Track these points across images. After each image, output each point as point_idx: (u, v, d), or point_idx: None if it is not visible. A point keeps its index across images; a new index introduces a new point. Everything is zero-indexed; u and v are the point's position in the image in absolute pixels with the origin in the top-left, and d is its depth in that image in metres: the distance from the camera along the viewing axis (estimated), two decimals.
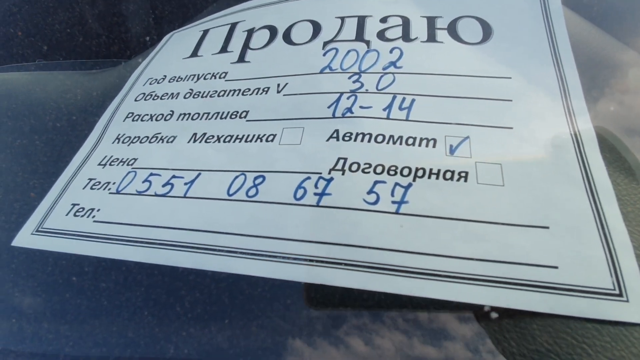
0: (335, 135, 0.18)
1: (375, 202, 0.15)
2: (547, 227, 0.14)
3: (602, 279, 0.13)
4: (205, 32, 0.26)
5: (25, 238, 0.18)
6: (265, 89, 0.20)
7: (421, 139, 0.17)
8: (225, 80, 0.22)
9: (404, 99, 0.18)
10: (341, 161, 0.17)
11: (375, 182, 0.16)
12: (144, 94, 0.24)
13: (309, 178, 0.16)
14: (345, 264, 0.14)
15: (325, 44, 0.21)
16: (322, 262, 0.15)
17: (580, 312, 0.12)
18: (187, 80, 0.23)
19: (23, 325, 0.16)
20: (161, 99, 0.23)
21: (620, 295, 0.13)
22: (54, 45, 0.44)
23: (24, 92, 0.28)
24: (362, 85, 0.19)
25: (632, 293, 0.13)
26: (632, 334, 0.12)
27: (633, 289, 0.13)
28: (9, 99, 0.29)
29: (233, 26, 0.25)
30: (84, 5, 0.54)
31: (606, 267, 0.13)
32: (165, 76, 0.24)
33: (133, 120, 0.22)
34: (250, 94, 0.21)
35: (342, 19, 0.22)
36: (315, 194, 0.16)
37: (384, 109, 0.18)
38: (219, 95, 0.21)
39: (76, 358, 0.15)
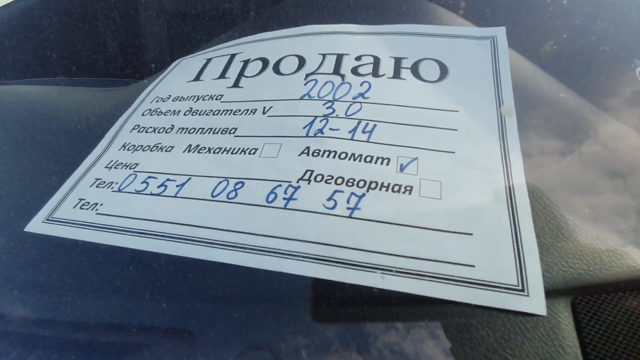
0: (306, 151, 0.21)
1: (333, 208, 0.18)
2: (471, 234, 0.17)
3: (509, 276, 0.16)
4: (209, 60, 0.30)
5: (36, 225, 0.21)
6: (253, 111, 0.24)
7: (377, 158, 0.20)
8: (221, 102, 0.26)
9: (367, 124, 0.22)
10: (308, 173, 0.20)
11: (335, 191, 0.19)
12: (150, 110, 0.27)
13: (280, 185, 0.20)
14: (304, 257, 0.17)
15: (307, 75, 0.25)
16: (285, 254, 0.18)
17: (488, 302, 0.15)
18: (188, 100, 0.27)
19: (25, 297, 0.19)
20: (164, 115, 0.26)
21: (522, 290, 0.15)
22: (81, 65, 0.49)
23: (49, 102, 0.32)
24: (334, 111, 0.23)
25: (532, 289, 0.15)
26: (528, 322, 0.15)
27: (533, 286, 0.15)
28: (35, 106, 0.32)
29: (232, 57, 0.29)
30: (107, 37, 0.61)
31: (514, 268, 0.16)
32: (170, 96, 0.28)
33: (138, 131, 0.26)
34: (240, 114, 0.24)
35: (324, 55, 0.26)
36: (284, 198, 0.19)
37: (350, 132, 0.21)
38: (213, 114, 0.25)
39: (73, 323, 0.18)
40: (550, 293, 0.15)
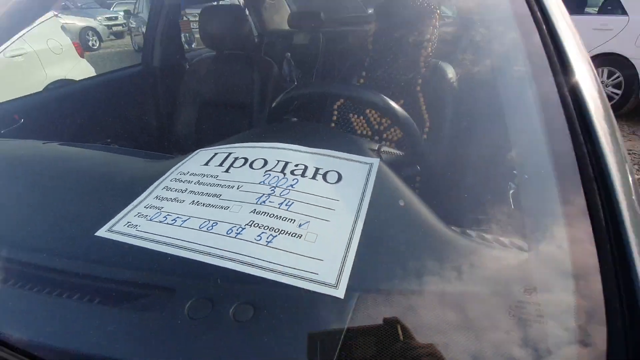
0: (254, 211, 0.39)
1: (259, 240, 0.36)
2: (322, 260, 0.34)
3: (332, 279, 0.33)
4: (215, 154, 0.50)
5: (102, 233, 0.39)
6: (232, 186, 0.43)
7: (288, 219, 0.38)
8: (216, 179, 0.45)
9: (289, 201, 0.41)
10: (252, 221, 0.38)
11: (262, 232, 0.37)
12: (175, 178, 0.47)
13: (235, 226, 0.38)
14: (238, 260, 0.34)
15: (266, 171, 0.45)
16: (228, 258, 0.35)
17: (317, 289, 0.32)
18: (198, 176, 0.46)
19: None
20: (182, 182, 0.46)
21: (335, 286, 0.32)
22: (128, 136, 0.72)
23: (110, 162, 0.53)
24: (274, 192, 0.42)
25: (340, 285, 0.32)
26: (334, 301, 0.31)
27: (341, 283, 0.32)
28: (99, 167, 0.53)
29: (229, 154, 0.49)
30: (151, 118, 0.86)
31: (336, 277, 0.33)
32: (188, 172, 0.47)
33: (166, 190, 0.45)
34: (224, 187, 0.43)
35: (278, 161, 0.46)
36: (236, 232, 0.37)
37: (279, 204, 0.40)
38: (210, 186, 0.44)
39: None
40: (348, 290, 0.32)
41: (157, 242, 0.37)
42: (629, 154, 2.96)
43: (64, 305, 0.34)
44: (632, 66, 3.52)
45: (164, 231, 0.38)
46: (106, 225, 0.40)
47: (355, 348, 0.30)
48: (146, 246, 0.37)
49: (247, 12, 1.50)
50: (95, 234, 0.39)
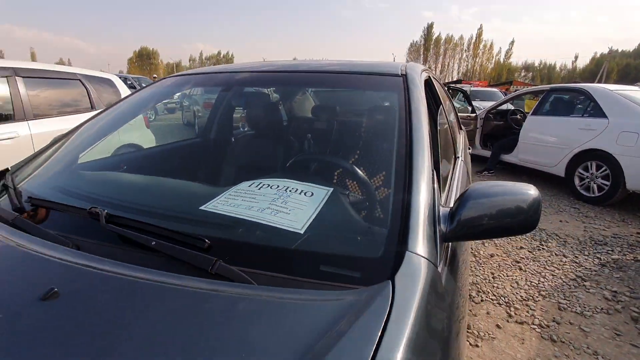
0: (270, 202, 0.86)
1: (270, 212, 0.83)
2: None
3: (298, 226, 0.77)
4: (252, 182, 1.00)
5: (203, 207, 0.87)
6: (260, 194, 0.91)
7: (284, 206, 0.85)
8: (252, 192, 0.93)
9: (286, 201, 0.88)
10: (268, 207, 0.85)
11: (272, 210, 0.83)
12: (235, 190, 0.96)
13: (260, 208, 0.85)
14: (259, 219, 0.80)
15: (278, 189, 0.93)
16: (255, 218, 0.81)
17: (290, 228, 0.77)
18: (244, 189, 0.95)
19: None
20: (238, 192, 0.94)
21: (300, 229, 0.77)
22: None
23: (200, 185, 1.03)
24: (281, 197, 0.89)
25: (302, 229, 0.77)
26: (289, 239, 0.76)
27: (302, 228, 0.77)
28: (196, 187, 1.03)
29: (260, 182, 0.98)
30: (208, 177, 1.37)
31: (301, 225, 0.78)
32: (239, 189, 0.96)
33: (231, 195, 0.94)
34: (257, 195, 0.92)
35: (284, 185, 0.95)
36: (261, 210, 0.84)
37: (281, 201, 0.87)
38: (251, 193, 0.93)
39: None
40: (303, 231, 0.77)
41: (225, 212, 0.84)
42: (616, 237, 3.23)
43: (175, 242, 0.80)
44: (616, 161, 3.95)
45: (228, 210, 0.85)
46: (203, 205, 0.88)
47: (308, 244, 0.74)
48: (218, 212, 0.84)
49: (281, 104, 2.11)
50: (200, 207, 0.87)
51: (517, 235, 0.83)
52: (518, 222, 0.78)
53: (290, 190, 0.91)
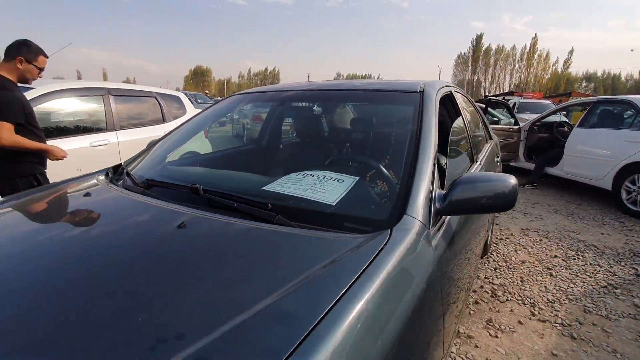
0: (312, 185, 1.20)
1: (312, 192, 1.16)
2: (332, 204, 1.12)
3: (332, 200, 1.09)
4: (299, 172, 1.34)
5: (265, 187, 1.22)
6: (304, 180, 1.25)
7: (323, 188, 1.17)
8: (300, 178, 1.27)
9: (324, 184, 1.20)
10: (311, 187, 1.18)
11: (314, 190, 1.16)
12: (286, 177, 1.30)
13: (305, 188, 1.18)
14: (305, 197, 1.13)
15: (317, 177, 1.26)
16: (302, 195, 1.14)
17: (325, 202, 1.09)
18: (291, 178, 1.29)
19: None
20: (286, 178, 1.29)
21: (332, 203, 1.08)
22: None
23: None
24: (319, 182, 1.22)
25: (334, 203, 1.08)
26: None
27: (334, 203, 1.08)
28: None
29: (305, 172, 1.32)
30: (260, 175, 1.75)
31: (335, 200, 1.09)
32: (287, 177, 1.31)
33: (283, 180, 1.28)
34: (302, 180, 1.26)
35: (323, 175, 1.28)
36: (305, 190, 1.17)
37: (320, 185, 1.20)
38: (297, 179, 1.27)
39: None
40: (335, 205, 1.08)
41: (280, 191, 1.18)
42: None
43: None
44: None
45: (282, 189, 1.19)
46: (265, 186, 1.23)
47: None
48: (276, 190, 1.18)
49: (323, 117, 2.45)
50: (262, 188, 1.22)
51: (497, 212, 1.08)
52: (499, 202, 1.04)
53: (326, 178, 1.24)
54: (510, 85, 77.76)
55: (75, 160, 2.77)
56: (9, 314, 0.67)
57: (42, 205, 1.34)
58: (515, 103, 14.63)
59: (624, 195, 4.31)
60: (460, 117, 1.87)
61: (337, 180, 1.22)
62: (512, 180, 1.08)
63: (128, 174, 1.48)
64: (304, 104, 2.27)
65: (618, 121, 4.75)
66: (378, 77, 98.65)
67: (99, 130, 3.59)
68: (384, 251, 0.81)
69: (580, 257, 3.09)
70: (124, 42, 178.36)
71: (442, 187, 1.19)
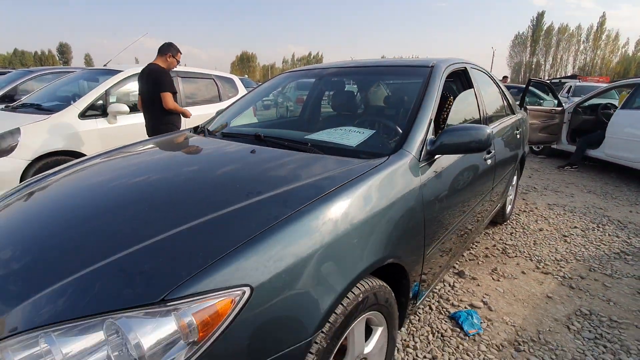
0: (339, 132, 1.64)
1: (340, 138, 1.60)
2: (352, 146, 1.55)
3: (354, 143, 1.52)
4: (331, 128, 1.78)
5: (306, 136, 1.68)
6: (333, 131, 1.69)
7: (347, 135, 1.61)
8: (332, 132, 1.72)
9: (349, 135, 1.64)
10: (340, 134, 1.62)
11: (342, 136, 1.61)
12: (318, 133, 1.75)
13: (334, 135, 1.63)
14: (334, 142, 1.58)
15: (344, 130, 1.70)
16: (331, 141, 1.59)
17: (349, 145, 1.52)
18: (326, 130, 1.74)
19: None
20: (317, 132, 1.74)
21: (353, 146, 1.52)
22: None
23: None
24: (345, 130, 1.66)
25: (355, 146, 1.52)
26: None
27: (355, 146, 1.51)
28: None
29: (336, 128, 1.76)
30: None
31: (355, 143, 1.52)
32: (316, 133, 1.76)
33: (318, 132, 1.74)
34: (330, 132, 1.70)
35: (348, 128, 1.71)
36: (335, 137, 1.62)
37: (347, 134, 1.63)
38: (330, 130, 1.72)
39: None
40: (355, 147, 1.51)
41: (318, 138, 1.63)
42: None
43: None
44: None
45: (320, 137, 1.65)
46: (307, 136, 1.69)
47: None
48: (314, 138, 1.64)
49: (357, 94, 2.84)
50: (304, 137, 1.68)
51: (474, 152, 1.46)
52: (475, 145, 1.41)
53: (351, 131, 1.68)
54: (574, 68, 71.23)
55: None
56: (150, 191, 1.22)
57: (169, 141, 1.98)
58: (571, 86, 13.78)
59: None
60: (472, 89, 2.19)
61: (359, 132, 1.65)
62: (488, 129, 1.44)
63: (208, 131, 2.03)
64: (338, 78, 2.70)
65: None
66: None
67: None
68: (382, 165, 1.25)
69: (600, 229, 3.25)
70: (173, 28, 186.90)
71: None
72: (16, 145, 3.06)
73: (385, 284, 1.18)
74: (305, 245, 0.89)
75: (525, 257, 2.71)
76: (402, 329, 1.84)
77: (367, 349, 1.19)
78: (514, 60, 78.30)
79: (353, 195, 1.08)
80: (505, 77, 15.83)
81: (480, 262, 2.60)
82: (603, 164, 5.56)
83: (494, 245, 2.88)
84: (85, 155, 3.33)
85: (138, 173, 1.43)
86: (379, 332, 1.23)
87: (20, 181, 3.10)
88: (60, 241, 0.96)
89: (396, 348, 1.67)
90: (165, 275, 0.76)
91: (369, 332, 1.22)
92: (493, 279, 2.39)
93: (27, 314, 0.73)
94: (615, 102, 6.32)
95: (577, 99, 6.37)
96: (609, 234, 3.13)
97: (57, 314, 0.71)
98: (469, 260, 2.64)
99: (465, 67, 2.22)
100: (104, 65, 4.50)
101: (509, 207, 3.33)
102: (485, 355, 1.68)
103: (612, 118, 5.02)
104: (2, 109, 3.90)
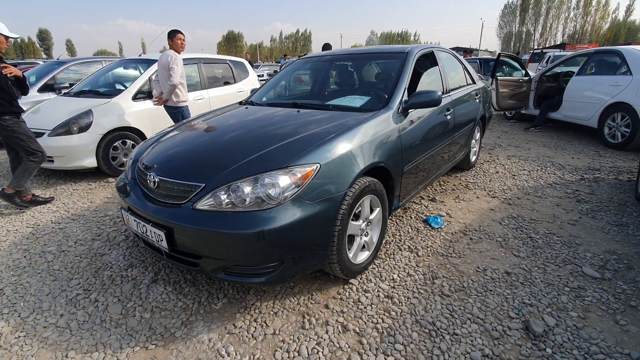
0: (341, 99, 2.56)
1: (346, 102, 2.52)
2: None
3: (358, 105, 2.44)
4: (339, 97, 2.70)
5: (327, 103, 2.60)
6: (339, 103, 2.62)
7: (351, 103, 2.53)
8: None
9: (355, 101, 2.56)
10: (349, 100, 2.55)
11: (350, 101, 2.53)
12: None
13: (340, 101, 2.55)
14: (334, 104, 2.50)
15: (349, 97, 2.62)
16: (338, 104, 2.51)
17: (356, 105, 2.45)
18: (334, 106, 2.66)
19: None
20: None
21: (359, 109, 2.44)
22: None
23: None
24: (349, 98, 2.58)
25: (359, 107, 2.44)
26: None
27: (360, 107, 2.44)
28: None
29: (346, 96, 2.68)
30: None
31: (358, 104, 2.45)
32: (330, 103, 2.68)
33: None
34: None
35: (353, 96, 2.63)
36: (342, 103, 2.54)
37: (352, 101, 2.56)
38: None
39: None
40: (360, 109, 2.44)
41: (333, 102, 2.55)
42: (613, 167, 4.24)
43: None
44: (635, 111, 4.77)
45: (334, 102, 2.57)
46: (328, 102, 2.61)
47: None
48: (331, 102, 2.55)
49: (354, 70, 3.74)
50: (325, 103, 2.61)
51: (431, 107, 2.42)
52: (431, 102, 2.35)
53: (355, 98, 2.61)
54: (563, 36, 71.38)
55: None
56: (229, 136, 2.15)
57: (236, 108, 2.90)
58: (550, 56, 14.66)
59: (605, 131, 5.25)
60: (437, 67, 3.11)
61: (361, 98, 2.60)
62: (439, 93, 2.37)
63: (253, 102, 2.95)
64: (342, 62, 3.60)
65: (607, 69, 5.53)
66: (415, 35, 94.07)
67: (197, 89, 5.12)
68: (376, 114, 2.21)
69: (543, 170, 4.25)
70: (155, 11, 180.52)
71: None
72: (91, 123, 3.93)
73: (379, 181, 2.14)
74: (343, 148, 1.85)
75: (481, 189, 3.71)
76: (392, 229, 2.83)
77: (371, 216, 2.17)
78: (504, 31, 78.01)
79: (361, 128, 2.02)
80: (469, 51, 18.15)
81: (448, 193, 3.60)
82: (563, 124, 6.54)
83: (460, 183, 3.87)
84: (139, 129, 4.26)
85: (237, 124, 2.38)
86: (377, 210, 2.21)
87: (96, 150, 4.00)
88: (226, 149, 1.95)
89: (386, 238, 2.67)
90: (285, 157, 1.73)
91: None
92: (455, 201, 3.39)
93: (228, 176, 1.70)
94: (576, 70, 7.25)
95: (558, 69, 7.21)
96: (548, 173, 4.14)
97: (241, 175, 1.67)
98: (440, 192, 3.64)
99: (432, 51, 3.13)
100: (139, 56, 5.28)
101: (474, 157, 4.31)
102: (444, 237, 2.68)
103: (568, 84, 5.96)
104: (62, 95, 4.73)
